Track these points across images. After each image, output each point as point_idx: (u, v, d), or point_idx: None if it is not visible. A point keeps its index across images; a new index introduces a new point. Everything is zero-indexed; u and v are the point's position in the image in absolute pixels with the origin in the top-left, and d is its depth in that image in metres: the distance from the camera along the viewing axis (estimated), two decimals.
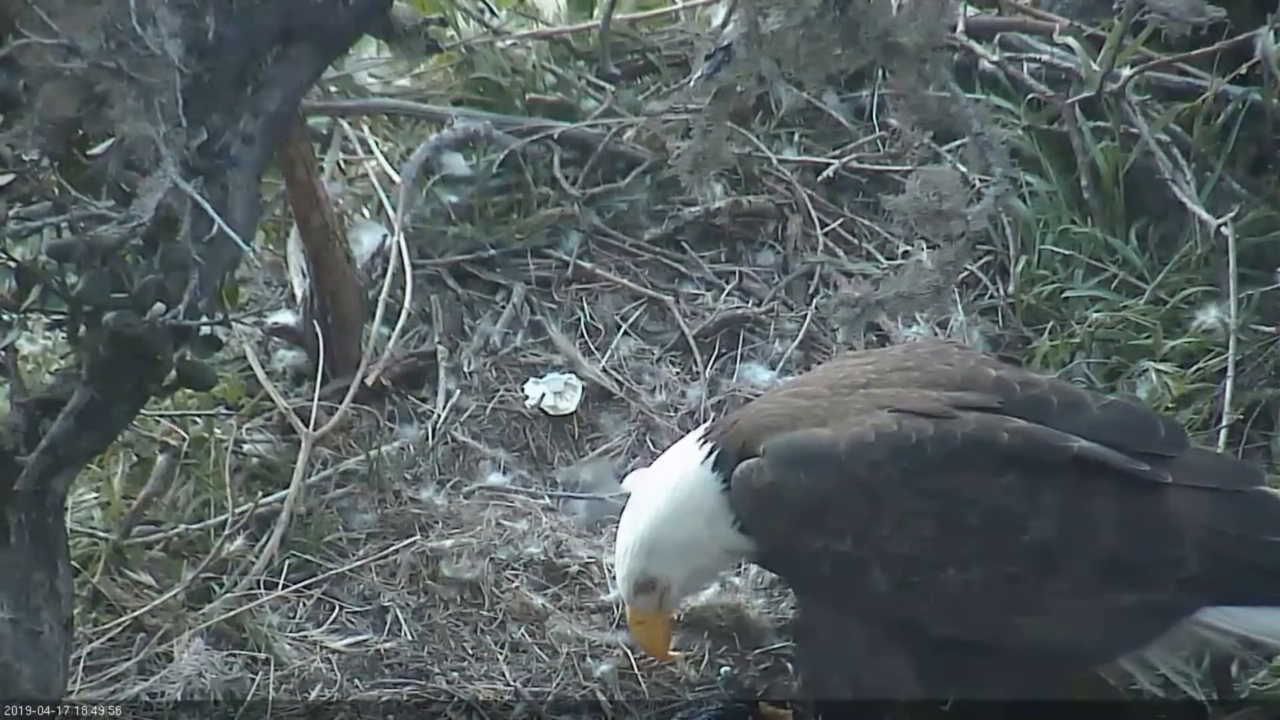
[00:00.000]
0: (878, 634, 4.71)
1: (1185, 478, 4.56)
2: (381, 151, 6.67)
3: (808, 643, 5.08)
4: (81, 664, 5.23)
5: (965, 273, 6.16)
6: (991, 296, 6.29)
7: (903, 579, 4.62)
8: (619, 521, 5.12)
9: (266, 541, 5.55)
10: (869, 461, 4.60)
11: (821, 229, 6.50)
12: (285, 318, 6.20)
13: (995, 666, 4.69)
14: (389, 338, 6.08)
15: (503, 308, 6.40)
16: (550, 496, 5.90)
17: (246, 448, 5.88)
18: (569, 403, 6.14)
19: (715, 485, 4.80)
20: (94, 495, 5.72)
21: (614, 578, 5.52)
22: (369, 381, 5.97)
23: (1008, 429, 4.57)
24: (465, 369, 6.22)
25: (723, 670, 5.31)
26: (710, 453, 4.81)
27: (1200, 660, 4.59)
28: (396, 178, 6.45)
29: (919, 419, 4.61)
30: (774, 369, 6.24)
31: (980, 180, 4.40)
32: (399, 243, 6.20)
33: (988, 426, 4.58)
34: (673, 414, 6.16)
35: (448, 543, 5.62)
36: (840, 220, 6.54)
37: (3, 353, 4.27)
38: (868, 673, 4.74)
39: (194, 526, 5.63)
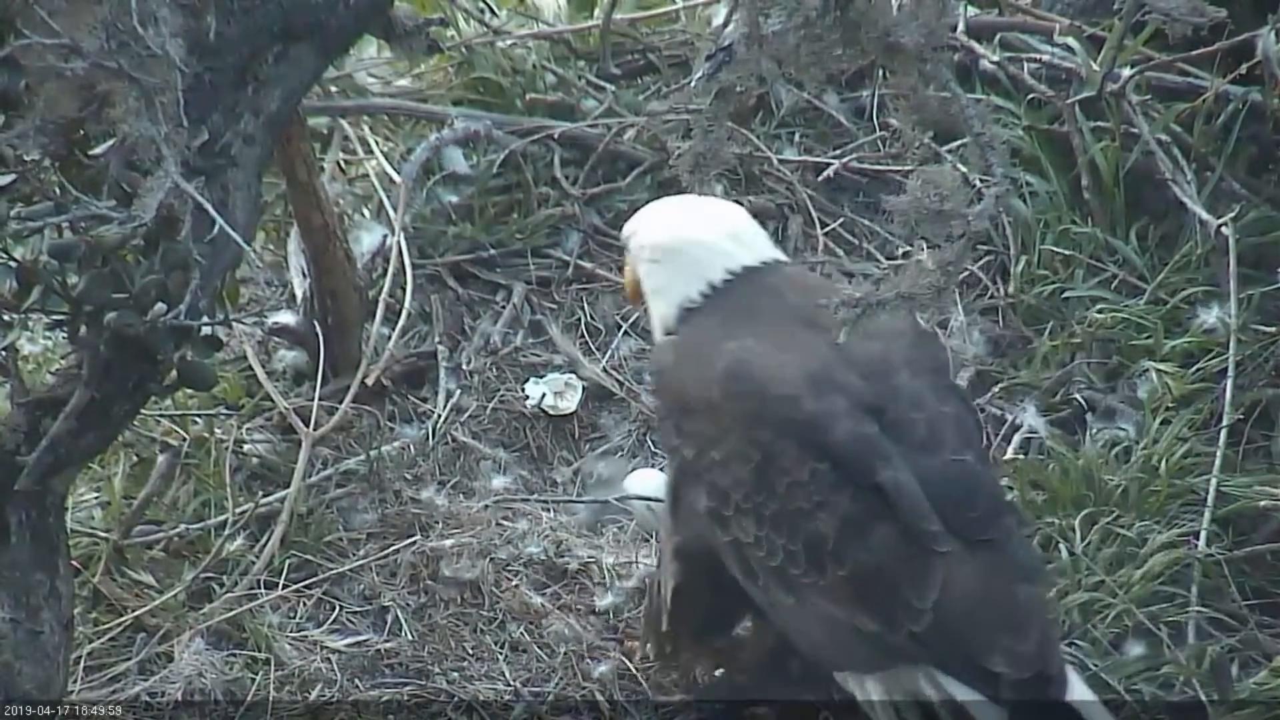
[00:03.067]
0: (693, 545, 4.85)
1: (972, 554, 4.57)
2: (381, 151, 6.67)
3: None
4: (81, 664, 5.23)
5: (965, 273, 6.15)
6: (992, 296, 6.29)
7: (716, 509, 4.74)
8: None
9: (267, 541, 5.55)
10: (732, 389, 4.70)
11: (822, 229, 6.50)
12: (285, 318, 6.20)
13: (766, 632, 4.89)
14: (389, 338, 6.08)
15: (503, 308, 6.40)
16: (553, 502, 5.90)
17: (247, 448, 5.88)
18: (569, 403, 6.14)
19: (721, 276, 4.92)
20: (94, 495, 5.72)
21: (613, 577, 5.54)
22: (369, 381, 5.97)
23: (847, 428, 4.62)
24: (465, 369, 6.22)
25: (719, 671, 5.31)
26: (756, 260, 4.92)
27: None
28: (396, 178, 6.45)
29: (794, 374, 4.67)
30: None
31: (980, 180, 4.40)
32: (399, 243, 6.19)
33: (834, 415, 4.63)
34: None
35: (448, 543, 5.62)
36: (840, 220, 6.54)
37: (3, 353, 4.26)
38: (673, 576, 4.91)
39: (194, 526, 5.63)
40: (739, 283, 4.93)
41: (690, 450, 4.78)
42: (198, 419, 5.82)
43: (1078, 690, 4.57)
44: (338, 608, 5.50)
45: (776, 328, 4.78)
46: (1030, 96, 6.48)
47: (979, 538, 4.59)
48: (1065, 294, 6.18)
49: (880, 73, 6.57)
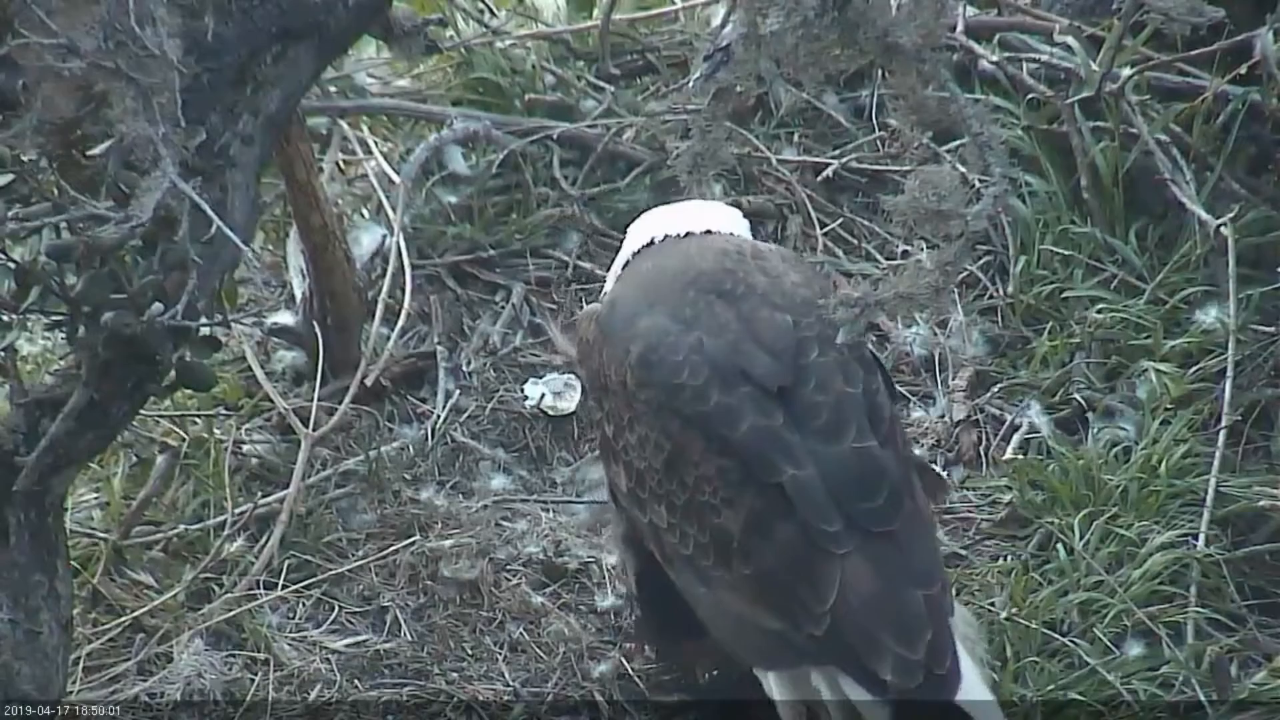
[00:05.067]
0: (632, 531, 4.89)
1: (870, 554, 4.57)
2: (381, 152, 6.67)
3: None
4: (81, 664, 5.23)
5: (965, 273, 6.16)
6: (991, 296, 6.28)
7: (634, 489, 4.77)
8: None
9: (266, 541, 5.55)
10: (643, 378, 4.72)
11: (821, 229, 6.50)
12: (285, 318, 6.21)
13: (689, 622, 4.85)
14: (389, 338, 6.08)
15: (502, 308, 6.40)
16: (552, 502, 5.90)
17: (246, 448, 5.89)
18: (568, 403, 6.13)
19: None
20: (94, 495, 5.72)
21: (612, 577, 5.54)
22: (369, 382, 5.97)
23: (751, 423, 4.63)
24: (465, 369, 6.23)
25: (716, 670, 5.31)
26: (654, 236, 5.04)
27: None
28: (396, 178, 6.45)
29: (702, 360, 4.69)
30: None
31: (979, 180, 4.40)
32: (398, 243, 6.20)
33: (739, 409, 4.64)
34: None
35: (447, 543, 5.62)
36: (840, 220, 6.54)
37: (3, 353, 4.27)
38: (630, 570, 4.96)
39: (194, 527, 5.63)
40: (654, 249, 5.00)
41: (610, 428, 4.82)
42: (197, 419, 5.82)
43: (975, 690, 4.56)
44: (337, 608, 5.50)
45: (686, 297, 4.79)
46: (1029, 96, 6.48)
47: (880, 529, 4.59)
48: (1064, 294, 6.18)
49: (879, 73, 6.56)
